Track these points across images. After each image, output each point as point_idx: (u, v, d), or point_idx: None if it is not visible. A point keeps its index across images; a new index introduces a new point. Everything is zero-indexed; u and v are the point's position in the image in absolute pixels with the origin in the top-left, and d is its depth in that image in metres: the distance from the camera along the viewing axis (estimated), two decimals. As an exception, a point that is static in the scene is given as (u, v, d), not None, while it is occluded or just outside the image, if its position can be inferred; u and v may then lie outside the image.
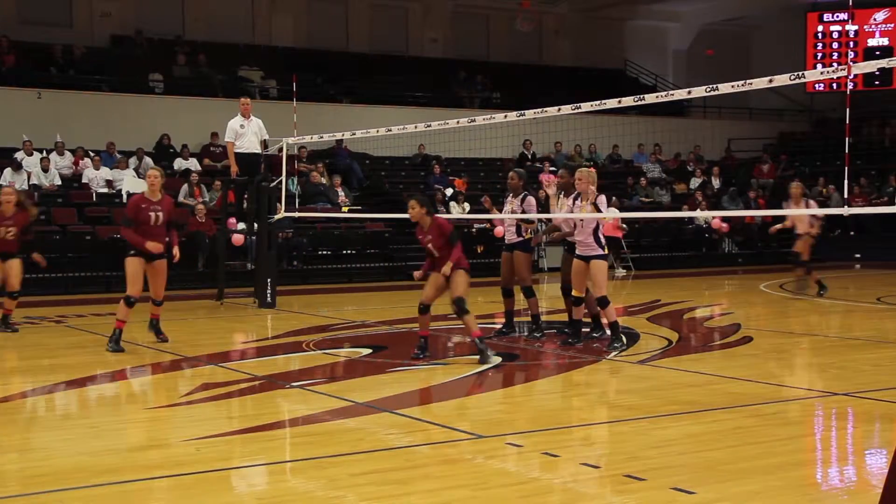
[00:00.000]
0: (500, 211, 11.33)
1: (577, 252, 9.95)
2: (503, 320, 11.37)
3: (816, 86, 30.48)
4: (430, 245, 9.26)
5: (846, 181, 9.51)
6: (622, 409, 7.37)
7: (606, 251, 10.05)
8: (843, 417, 7.26)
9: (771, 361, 9.57)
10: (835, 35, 31.27)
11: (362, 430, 6.76)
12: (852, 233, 26.04)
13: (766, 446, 6.33)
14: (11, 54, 22.72)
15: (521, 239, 10.83)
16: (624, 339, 10.14)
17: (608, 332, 10.17)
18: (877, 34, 30.65)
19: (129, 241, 10.32)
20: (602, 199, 9.87)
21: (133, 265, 10.23)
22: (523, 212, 10.67)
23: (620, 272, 21.11)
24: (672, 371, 8.90)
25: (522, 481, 5.45)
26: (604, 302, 9.79)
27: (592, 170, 10.06)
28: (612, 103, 10.11)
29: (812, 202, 10.36)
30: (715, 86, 9.09)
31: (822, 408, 7.58)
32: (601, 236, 9.87)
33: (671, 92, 11.04)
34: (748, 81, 8.91)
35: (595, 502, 5.12)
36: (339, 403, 7.49)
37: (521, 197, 10.78)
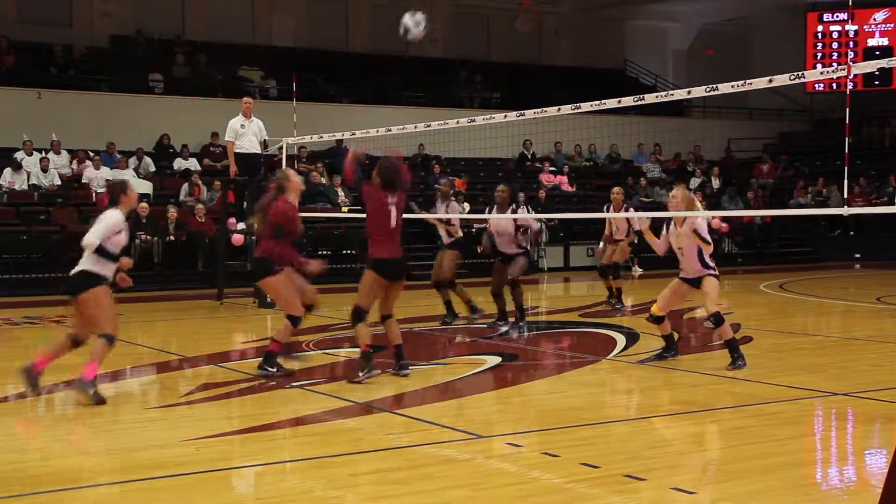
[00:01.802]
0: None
1: (681, 276, 9.14)
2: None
3: (816, 86, 30.47)
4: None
5: (846, 181, 9.50)
6: (622, 409, 7.37)
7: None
8: (843, 417, 7.26)
9: (771, 361, 9.56)
10: (835, 35, 31.26)
11: (362, 430, 6.76)
12: (852, 233, 26.05)
13: (766, 446, 6.33)
14: (11, 54, 22.72)
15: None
16: (743, 357, 8.98)
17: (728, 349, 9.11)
18: (877, 34, 30.64)
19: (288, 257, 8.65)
20: (701, 224, 9.05)
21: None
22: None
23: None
24: (672, 371, 8.90)
25: (522, 481, 5.45)
26: (718, 319, 8.85)
27: (686, 193, 9.33)
28: (612, 103, 10.12)
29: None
30: (715, 86, 9.10)
31: (822, 408, 7.58)
32: (706, 256, 8.98)
33: (671, 92, 11.05)
34: (748, 81, 8.91)
35: (595, 502, 5.12)
36: (339, 403, 7.49)
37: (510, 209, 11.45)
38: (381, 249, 8.36)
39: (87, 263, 7.72)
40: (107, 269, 7.72)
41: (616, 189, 14.27)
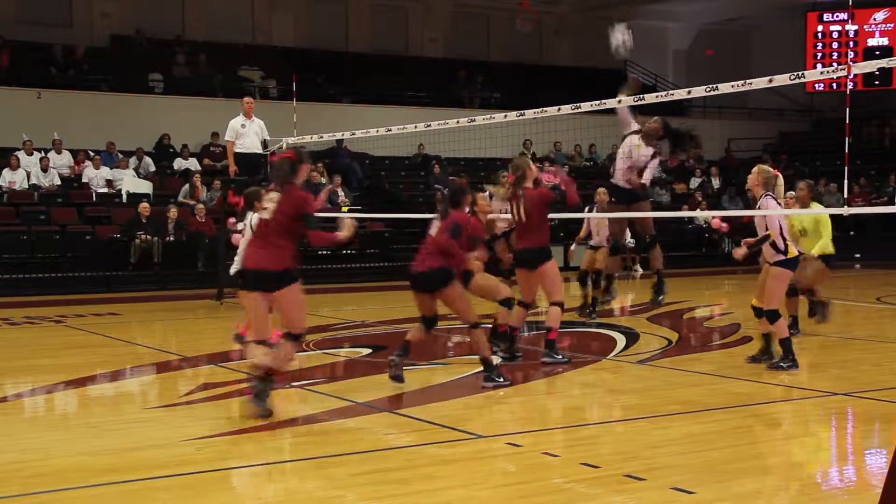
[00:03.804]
0: None
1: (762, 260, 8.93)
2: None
3: (816, 86, 30.48)
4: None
5: (846, 181, 9.49)
6: (622, 409, 7.37)
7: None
8: (843, 417, 7.26)
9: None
10: (835, 35, 31.28)
11: (362, 430, 6.76)
12: (852, 233, 26.04)
13: (766, 446, 6.33)
14: (7, 53, 22.70)
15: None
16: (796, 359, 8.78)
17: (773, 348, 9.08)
18: (877, 34, 30.65)
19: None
20: (769, 201, 8.75)
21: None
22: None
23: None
24: (672, 371, 8.90)
25: (522, 481, 5.45)
26: (773, 316, 8.68)
27: (764, 168, 9.02)
28: (612, 103, 10.13)
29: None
30: (715, 86, 9.10)
31: (822, 408, 7.57)
32: (777, 241, 8.67)
33: (671, 92, 11.05)
34: (748, 81, 8.90)
35: (595, 502, 5.12)
36: (339, 403, 7.49)
37: None
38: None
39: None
40: None
41: (601, 190, 12.70)
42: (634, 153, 10.41)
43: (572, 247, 13.97)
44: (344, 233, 7.28)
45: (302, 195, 7.02)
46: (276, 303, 7.10)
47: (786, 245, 8.69)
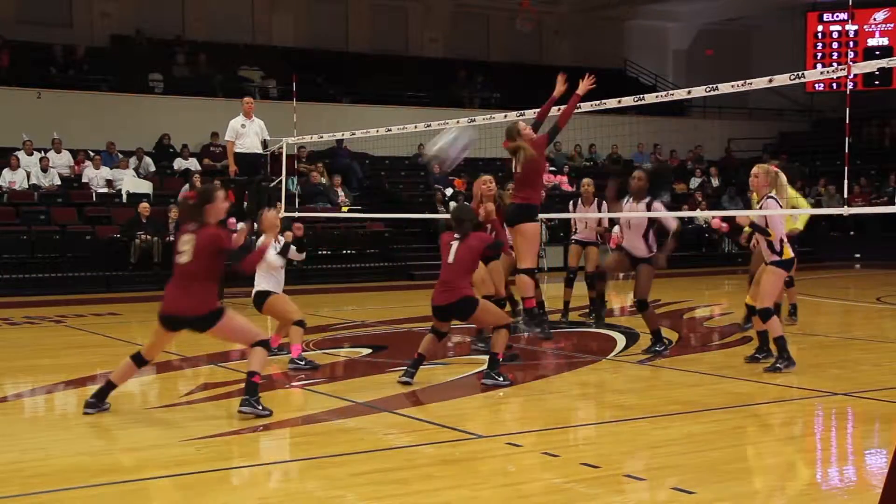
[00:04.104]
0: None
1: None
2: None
3: (816, 86, 30.48)
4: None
5: (846, 181, 9.49)
6: (622, 409, 7.37)
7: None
8: (843, 417, 7.26)
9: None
10: (835, 35, 31.28)
11: (362, 430, 6.76)
12: (852, 233, 26.04)
13: (766, 446, 6.33)
14: (7, 53, 22.69)
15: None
16: (791, 358, 8.73)
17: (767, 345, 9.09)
18: (877, 34, 30.65)
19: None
20: (770, 202, 8.73)
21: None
22: None
23: None
24: (672, 371, 8.90)
25: (522, 481, 5.45)
26: (766, 314, 8.72)
27: (766, 168, 8.97)
28: (612, 103, 10.11)
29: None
30: (715, 86, 9.10)
31: (822, 408, 7.57)
32: (775, 242, 8.68)
33: (671, 92, 11.04)
34: (748, 81, 8.90)
35: (595, 502, 5.12)
36: (339, 403, 7.49)
37: None
38: None
39: None
40: None
41: (586, 181, 12.28)
42: (634, 221, 9.77)
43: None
44: (239, 236, 7.39)
45: (215, 233, 6.92)
46: (223, 333, 7.15)
47: (782, 246, 8.71)
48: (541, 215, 9.43)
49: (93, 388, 8.42)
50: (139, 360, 7.17)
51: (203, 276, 6.90)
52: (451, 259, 8.04)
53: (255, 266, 7.47)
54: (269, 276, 9.08)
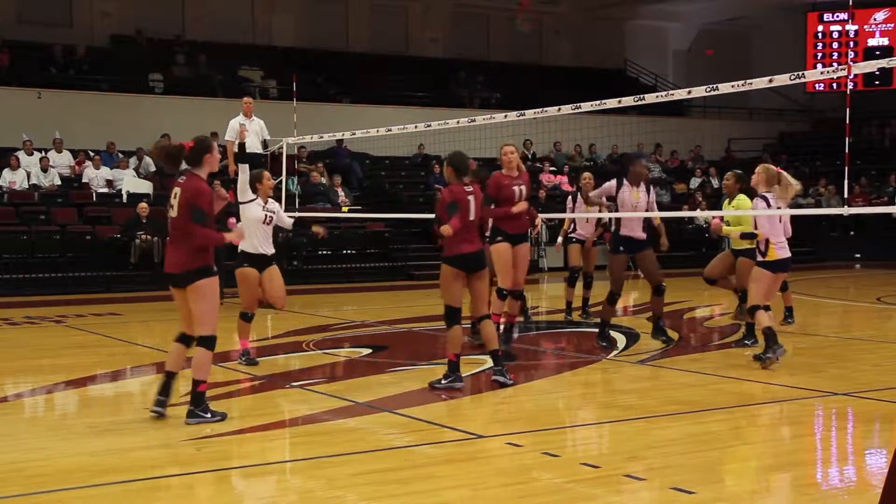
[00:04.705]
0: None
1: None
2: None
3: (816, 86, 30.49)
4: None
5: (846, 181, 9.49)
6: (622, 409, 7.37)
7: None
8: (843, 417, 7.26)
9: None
10: (835, 35, 31.28)
11: (362, 430, 6.76)
12: (852, 233, 26.04)
13: (766, 446, 6.33)
14: (7, 53, 22.68)
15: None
16: (780, 346, 8.87)
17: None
18: (877, 34, 30.65)
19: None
20: (760, 202, 8.91)
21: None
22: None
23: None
24: (672, 371, 8.90)
25: (522, 481, 5.45)
26: (752, 310, 8.98)
27: (768, 167, 9.11)
28: (612, 103, 10.11)
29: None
30: (715, 86, 9.09)
31: (822, 408, 7.58)
32: (761, 243, 8.89)
33: (671, 92, 11.04)
34: (748, 81, 8.90)
35: (595, 502, 5.12)
36: (339, 403, 7.49)
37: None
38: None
39: None
40: None
41: (586, 174, 12.36)
42: (633, 201, 9.90)
43: (559, 240, 13.17)
44: (232, 235, 7.34)
45: (198, 186, 6.68)
46: (197, 296, 6.72)
47: (767, 247, 8.78)
48: (541, 215, 9.56)
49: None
50: (185, 340, 6.95)
51: (189, 231, 6.67)
52: (471, 216, 7.93)
53: (208, 243, 6.75)
54: (263, 242, 9.16)
